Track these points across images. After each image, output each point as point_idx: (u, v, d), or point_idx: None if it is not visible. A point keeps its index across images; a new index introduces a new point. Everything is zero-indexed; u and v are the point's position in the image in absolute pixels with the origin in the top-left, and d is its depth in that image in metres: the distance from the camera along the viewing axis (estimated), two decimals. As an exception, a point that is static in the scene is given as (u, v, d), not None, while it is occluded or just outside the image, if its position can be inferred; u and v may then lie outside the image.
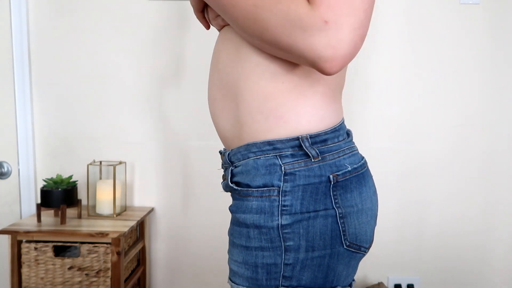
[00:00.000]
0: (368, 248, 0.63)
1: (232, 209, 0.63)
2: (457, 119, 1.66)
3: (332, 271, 0.59)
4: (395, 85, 1.65)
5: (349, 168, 0.60)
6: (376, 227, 1.69)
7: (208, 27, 0.70)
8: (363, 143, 1.66)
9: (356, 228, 0.60)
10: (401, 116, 1.66)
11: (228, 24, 0.62)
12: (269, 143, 0.58)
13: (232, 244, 0.63)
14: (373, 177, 1.73)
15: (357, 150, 0.65)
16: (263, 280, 0.59)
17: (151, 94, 1.68)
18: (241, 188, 0.60)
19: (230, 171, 0.63)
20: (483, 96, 1.65)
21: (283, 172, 0.57)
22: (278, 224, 0.57)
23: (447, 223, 1.69)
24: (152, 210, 1.69)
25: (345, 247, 0.59)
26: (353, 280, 0.65)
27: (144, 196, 1.72)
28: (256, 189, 0.58)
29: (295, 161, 0.58)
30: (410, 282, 1.70)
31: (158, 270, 1.74)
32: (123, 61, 1.67)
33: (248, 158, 0.60)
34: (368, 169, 0.65)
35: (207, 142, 1.68)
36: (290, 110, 0.58)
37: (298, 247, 0.57)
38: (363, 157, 0.65)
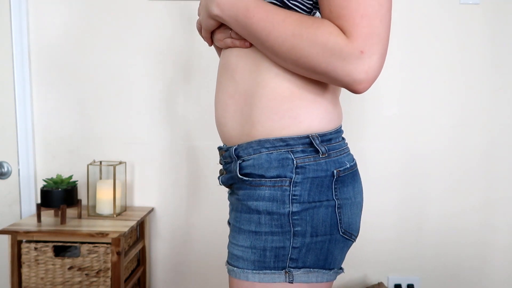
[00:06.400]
0: (356, 237, 0.71)
1: (241, 197, 0.68)
2: (456, 118, 1.66)
3: (331, 254, 0.67)
4: (395, 85, 1.65)
5: (348, 165, 0.69)
6: (376, 226, 1.70)
7: (211, 44, 0.77)
8: (362, 143, 1.66)
9: (349, 218, 0.68)
10: (400, 115, 1.66)
11: (236, 47, 0.69)
12: (282, 140, 0.65)
13: (237, 230, 0.68)
14: (373, 176, 1.74)
15: (349, 150, 0.73)
16: (270, 263, 0.65)
17: (151, 94, 1.68)
18: (253, 179, 0.66)
19: (238, 165, 0.69)
20: (482, 95, 1.65)
21: (295, 165, 0.65)
22: (289, 211, 0.64)
23: (447, 221, 1.69)
24: (152, 210, 1.69)
25: (341, 233, 0.67)
26: (341, 268, 0.72)
27: (144, 196, 1.72)
28: (270, 179, 0.65)
29: (305, 156, 0.65)
30: (410, 282, 1.70)
31: (158, 270, 1.74)
32: (124, 61, 1.67)
33: (261, 152, 0.66)
34: (357, 168, 0.73)
35: (207, 142, 1.68)
36: (305, 112, 0.65)
37: (304, 232, 0.65)
38: (353, 157, 0.74)
